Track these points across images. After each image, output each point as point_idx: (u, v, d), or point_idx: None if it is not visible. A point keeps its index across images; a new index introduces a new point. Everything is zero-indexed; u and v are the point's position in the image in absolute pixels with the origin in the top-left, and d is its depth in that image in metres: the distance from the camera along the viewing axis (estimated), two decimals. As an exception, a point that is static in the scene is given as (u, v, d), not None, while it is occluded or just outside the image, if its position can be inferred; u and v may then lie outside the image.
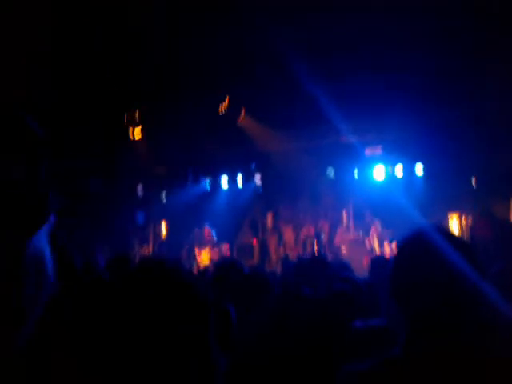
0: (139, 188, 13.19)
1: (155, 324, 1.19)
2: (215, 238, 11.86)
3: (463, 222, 10.74)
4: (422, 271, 1.41)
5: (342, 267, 4.21)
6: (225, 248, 11.95)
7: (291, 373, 2.12)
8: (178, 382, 1.18)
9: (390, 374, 1.39)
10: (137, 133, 11.82)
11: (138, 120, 11.68)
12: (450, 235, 1.52)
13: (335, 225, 12.63)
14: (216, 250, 11.49)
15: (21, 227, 1.57)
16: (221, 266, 3.77)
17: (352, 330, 1.96)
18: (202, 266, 10.85)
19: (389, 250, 10.66)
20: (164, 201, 13.63)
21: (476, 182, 10.81)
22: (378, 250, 11.01)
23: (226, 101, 11.07)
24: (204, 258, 11.55)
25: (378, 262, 4.88)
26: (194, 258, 11.80)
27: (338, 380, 1.44)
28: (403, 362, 1.40)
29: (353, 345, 1.88)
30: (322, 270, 3.64)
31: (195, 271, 8.92)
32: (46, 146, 1.68)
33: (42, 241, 1.71)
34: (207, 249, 11.46)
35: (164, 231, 13.58)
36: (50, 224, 1.95)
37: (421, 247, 1.45)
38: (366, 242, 11.53)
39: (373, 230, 11.48)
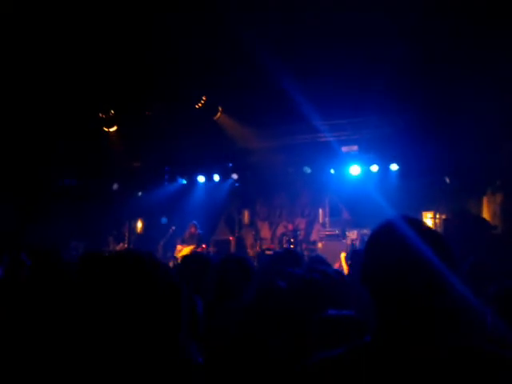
0: (115, 185, 13.05)
1: (126, 308, 1.19)
2: (201, 236, 11.75)
3: (437, 221, 10.87)
4: (391, 258, 1.40)
5: (318, 261, 4.26)
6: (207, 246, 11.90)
7: (266, 359, 2.14)
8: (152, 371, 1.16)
9: (360, 361, 1.39)
10: (113, 131, 11.69)
11: (113, 118, 11.56)
12: (421, 225, 1.51)
13: (312, 222, 12.74)
14: (201, 247, 11.41)
15: None
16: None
17: (324, 318, 1.98)
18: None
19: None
20: (140, 197, 13.52)
21: (450, 181, 10.96)
22: (357, 245, 11.15)
23: (203, 99, 11.00)
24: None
25: (357, 253, 4.95)
26: (172, 253, 11.73)
27: (310, 366, 1.44)
28: (374, 348, 1.40)
29: (324, 333, 1.89)
30: (295, 263, 3.68)
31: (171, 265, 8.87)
32: None
33: None
34: (192, 246, 11.36)
35: (140, 228, 13.47)
36: None
37: (391, 235, 1.44)
38: (344, 237, 11.66)
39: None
